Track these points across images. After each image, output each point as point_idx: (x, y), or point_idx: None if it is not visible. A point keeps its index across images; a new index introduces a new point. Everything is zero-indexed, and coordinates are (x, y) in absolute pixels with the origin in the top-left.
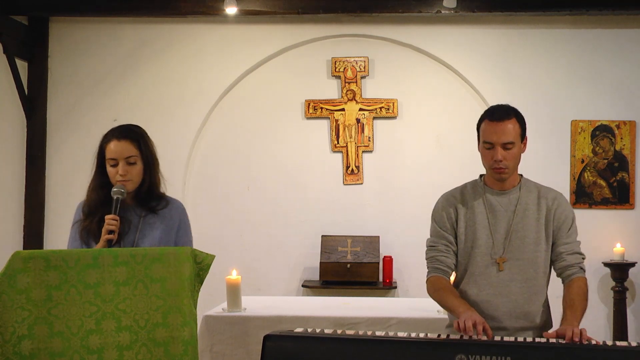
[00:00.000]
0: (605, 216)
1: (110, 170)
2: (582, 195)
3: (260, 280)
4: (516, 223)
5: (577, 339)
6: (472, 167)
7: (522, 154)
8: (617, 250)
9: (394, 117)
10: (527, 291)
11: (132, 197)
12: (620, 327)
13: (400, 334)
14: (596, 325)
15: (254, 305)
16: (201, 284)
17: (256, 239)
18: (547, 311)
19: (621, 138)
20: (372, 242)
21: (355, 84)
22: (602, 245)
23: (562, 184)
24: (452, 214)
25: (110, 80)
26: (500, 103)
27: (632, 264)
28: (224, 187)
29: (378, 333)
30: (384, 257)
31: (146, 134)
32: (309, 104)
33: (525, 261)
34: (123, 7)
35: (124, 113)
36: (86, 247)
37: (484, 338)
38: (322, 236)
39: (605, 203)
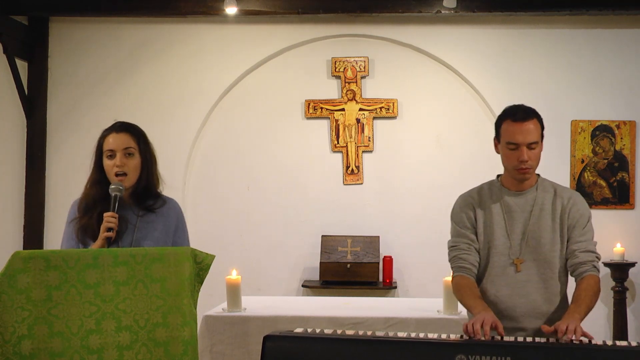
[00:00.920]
0: (605, 216)
1: (107, 163)
2: (582, 195)
3: (260, 280)
4: (532, 224)
5: (570, 336)
6: (472, 167)
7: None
8: (617, 250)
9: (394, 117)
10: (545, 292)
11: (129, 195)
12: (620, 327)
13: (400, 334)
14: (596, 325)
15: (254, 305)
16: (201, 284)
17: (256, 239)
18: None
19: (621, 138)
20: (372, 242)
21: (355, 84)
22: (602, 246)
23: (562, 184)
24: (471, 214)
25: (110, 80)
26: (500, 103)
27: (632, 264)
28: (224, 187)
29: (378, 333)
30: (384, 257)
31: (146, 134)
32: (309, 104)
33: (542, 262)
34: (123, 7)
35: (124, 113)
36: (82, 246)
37: (495, 336)
38: (322, 236)
39: (605, 203)
